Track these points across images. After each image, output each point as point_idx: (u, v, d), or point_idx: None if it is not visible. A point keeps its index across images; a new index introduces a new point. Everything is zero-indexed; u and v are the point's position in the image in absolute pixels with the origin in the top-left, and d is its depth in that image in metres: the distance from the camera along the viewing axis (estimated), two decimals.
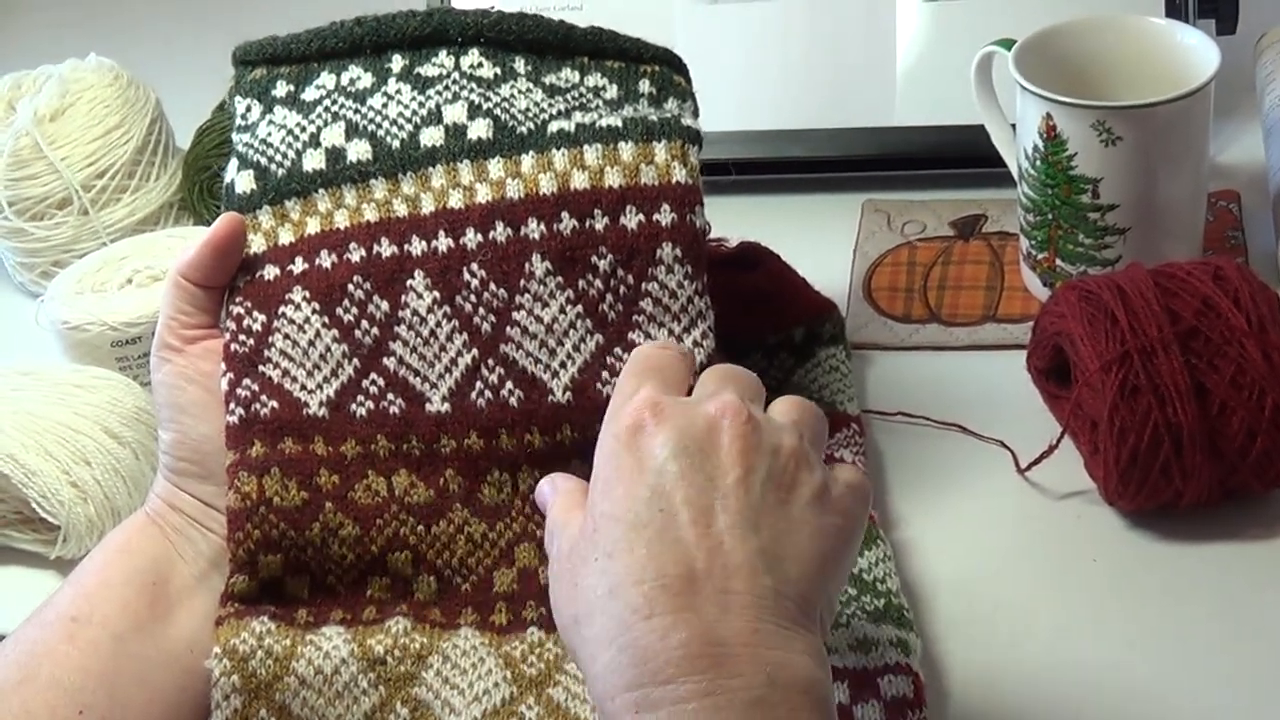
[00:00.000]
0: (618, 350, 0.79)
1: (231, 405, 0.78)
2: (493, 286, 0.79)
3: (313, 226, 0.81)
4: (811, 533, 0.63)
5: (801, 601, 0.62)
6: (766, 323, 0.95)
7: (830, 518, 0.64)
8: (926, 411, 0.94)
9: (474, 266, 0.79)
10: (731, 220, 0.98)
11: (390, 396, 0.78)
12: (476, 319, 0.79)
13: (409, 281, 0.79)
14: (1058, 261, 0.99)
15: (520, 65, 0.84)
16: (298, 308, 0.79)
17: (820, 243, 1.07)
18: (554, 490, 0.69)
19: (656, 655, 0.59)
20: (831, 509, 0.64)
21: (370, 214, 0.80)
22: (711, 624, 0.59)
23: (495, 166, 0.81)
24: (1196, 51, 0.97)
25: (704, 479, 0.62)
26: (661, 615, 0.60)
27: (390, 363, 0.79)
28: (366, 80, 0.84)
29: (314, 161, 0.82)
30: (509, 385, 0.78)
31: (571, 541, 0.64)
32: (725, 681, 0.58)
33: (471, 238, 0.79)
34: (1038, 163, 0.97)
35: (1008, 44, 0.99)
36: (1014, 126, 1.00)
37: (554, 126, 0.81)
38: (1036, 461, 0.89)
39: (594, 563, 0.62)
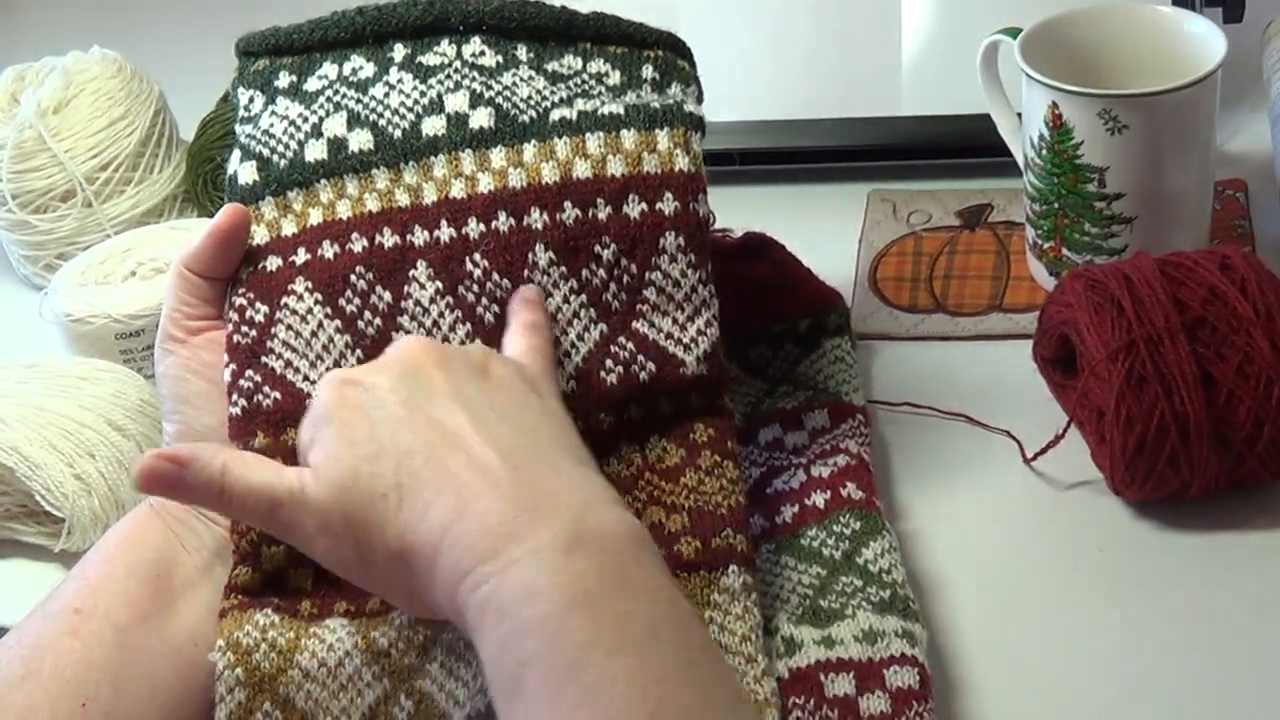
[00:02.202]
0: (621, 339, 0.79)
1: (234, 397, 0.78)
2: (496, 276, 0.79)
3: (315, 217, 0.81)
4: (525, 407, 0.70)
5: (574, 453, 0.68)
6: (771, 313, 0.95)
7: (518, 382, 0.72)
8: (932, 402, 0.94)
9: (477, 256, 0.79)
10: (736, 210, 0.97)
11: None
12: (479, 309, 0.78)
13: (411, 272, 0.79)
14: (1064, 251, 0.98)
15: (522, 53, 0.84)
16: (300, 299, 0.79)
17: (826, 233, 1.07)
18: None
19: (473, 542, 0.63)
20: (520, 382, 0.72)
21: (372, 204, 0.80)
22: (513, 498, 0.64)
23: (497, 156, 0.80)
24: (1203, 39, 0.97)
25: (424, 398, 0.69)
26: (471, 508, 0.64)
27: None
28: (368, 70, 0.83)
29: (316, 152, 0.82)
30: None
31: (339, 493, 0.67)
32: (540, 536, 0.63)
33: (474, 227, 0.79)
34: (1044, 152, 0.96)
35: (1013, 32, 0.98)
36: (1020, 115, 1.00)
37: (556, 114, 0.81)
38: (1043, 451, 0.88)
39: (380, 511, 0.66)
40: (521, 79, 0.83)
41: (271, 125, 0.83)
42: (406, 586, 0.66)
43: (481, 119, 0.81)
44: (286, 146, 0.82)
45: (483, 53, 0.83)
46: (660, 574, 0.65)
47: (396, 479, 0.66)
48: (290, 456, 0.77)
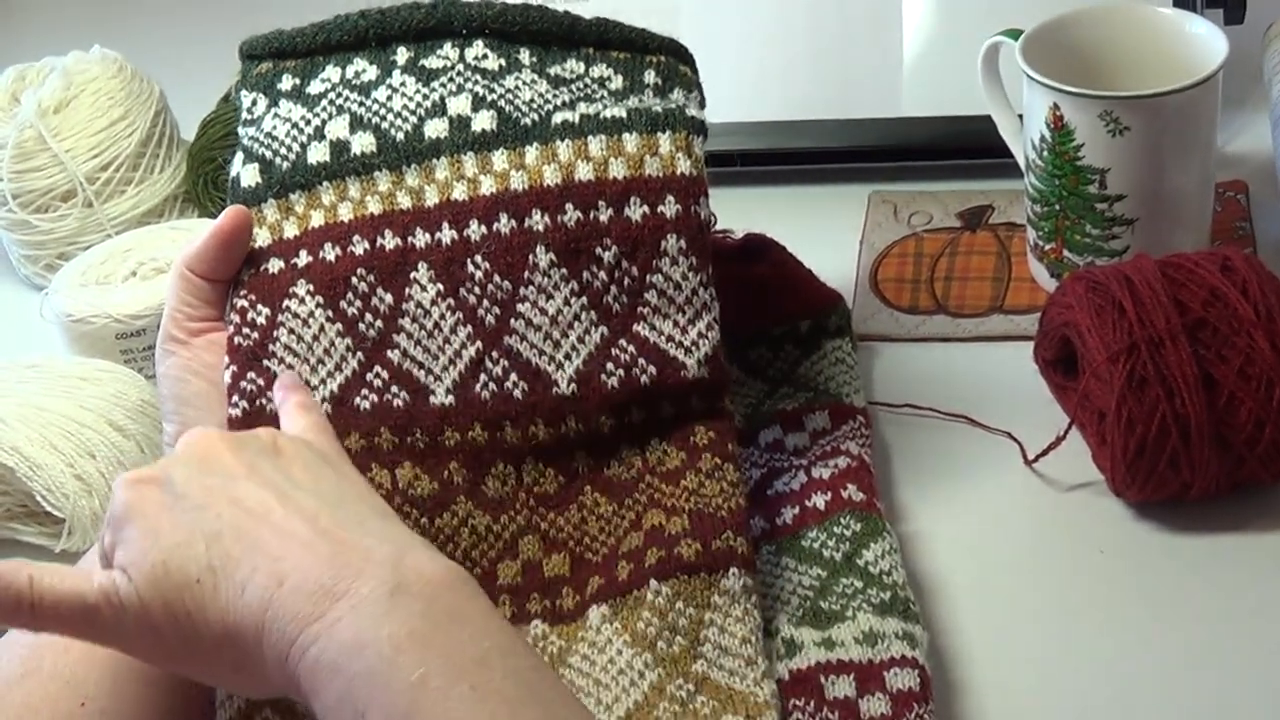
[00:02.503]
0: (622, 342, 0.79)
1: (234, 398, 0.78)
2: (497, 278, 0.79)
3: (317, 219, 0.81)
4: (322, 476, 0.70)
5: (379, 512, 0.68)
6: (772, 314, 0.95)
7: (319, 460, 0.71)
8: (933, 403, 0.94)
9: (478, 259, 0.79)
10: (737, 212, 0.97)
11: (394, 389, 0.78)
12: (480, 311, 0.78)
13: (413, 274, 0.79)
14: (1065, 252, 0.98)
15: (525, 57, 0.83)
16: (302, 301, 0.79)
17: (826, 234, 1.07)
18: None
19: (296, 608, 0.63)
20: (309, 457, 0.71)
21: (374, 206, 0.80)
22: (328, 560, 0.64)
23: (499, 158, 0.80)
24: (1204, 41, 0.97)
25: (222, 482, 0.68)
26: (289, 577, 0.64)
27: (394, 355, 0.79)
28: (371, 73, 0.83)
29: (318, 154, 0.82)
30: (513, 377, 0.78)
31: (153, 586, 0.66)
32: (360, 590, 0.63)
33: (475, 230, 0.79)
34: (1045, 153, 0.96)
35: (1015, 34, 0.98)
36: (1021, 117, 1.00)
37: (558, 118, 0.81)
38: (1044, 453, 0.88)
39: (197, 596, 0.65)
40: (524, 82, 0.83)
41: (274, 128, 0.83)
42: (236, 666, 0.65)
43: (484, 122, 0.81)
44: (289, 149, 0.82)
45: (485, 56, 0.83)
46: (484, 606, 0.65)
47: (208, 562, 0.65)
48: None
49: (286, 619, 0.63)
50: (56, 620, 0.66)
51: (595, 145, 0.80)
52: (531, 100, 0.82)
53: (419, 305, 0.79)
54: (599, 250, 0.79)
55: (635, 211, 0.79)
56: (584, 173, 0.79)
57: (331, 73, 0.84)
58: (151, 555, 0.65)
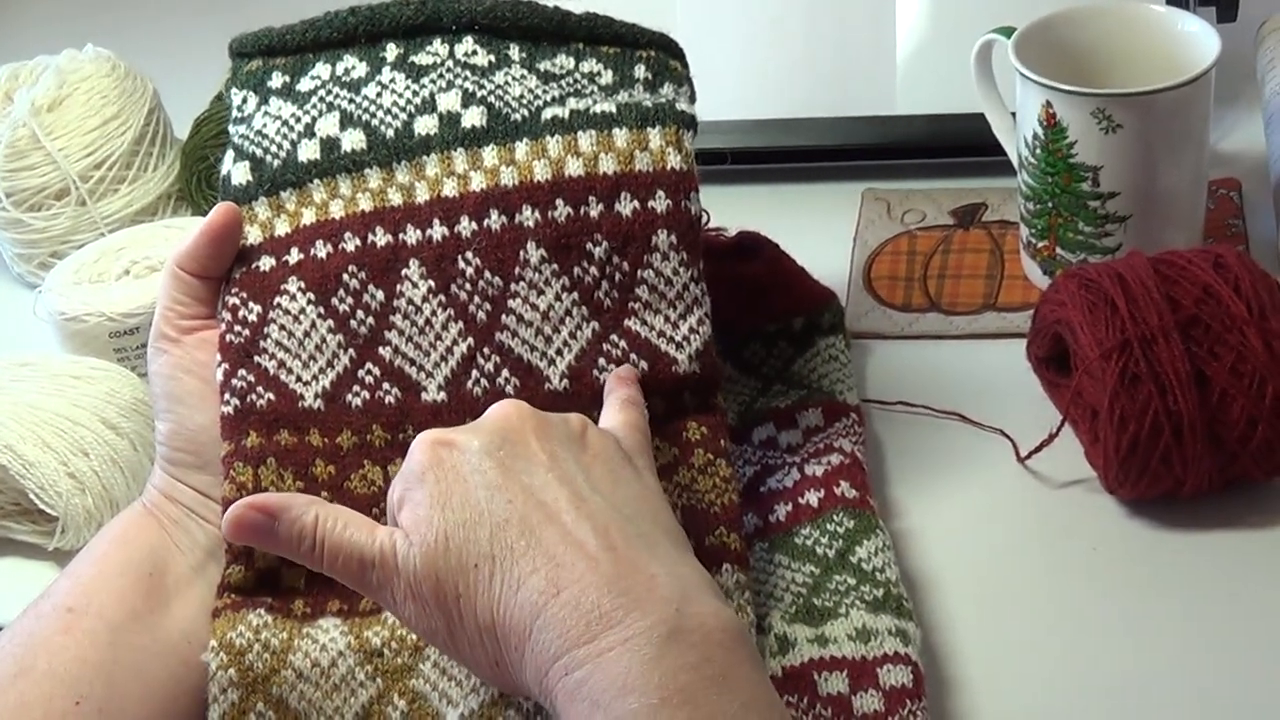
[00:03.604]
0: (614, 337, 0.79)
1: (227, 396, 0.78)
2: (488, 275, 0.79)
3: (308, 217, 0.81)
4: (622, 481, 0.68)
5: (672, 536, 0.67)
6: (766, 312, 0.95)
7: (627, 465, 0.70)
8: (926, 400, 0.94)
9: (469, 255, 0.79)
10: (731, 209, 0.98)
11: (386, 386, 0.78)
12: (472, 307, 0.78)
13: (404, 270, 0.79)
14: (1058, 250, 0.99)
15: (515, 52, 0.84)
16: (293, 298, 0.79)
17: (820, 232, 1.07)
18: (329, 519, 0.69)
19: (567, 624, 0.62)
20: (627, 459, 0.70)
21: (365, 203, 0.80)
22: (611, 581, 0.62)
23: (489, 154, 0.80)
24: (1197, 39, 0.97)
25: (522, 466, 0.67)
26: (567, 588, 0.62)
27: (386, 352, 0.79)
28: (361, 70, 0.83)
29: (309, 152, 0.82)
30: (505, 373, 0.78)
31: (431, 560, 0.65)
32: (636, 624, 0.61)
33: (466, 226, 0.79)
34: (1038, 151, 0.96)
35: (1007, 32, 0.98)
36: (1014, 115, 1.00)
37: (548, 113, 0.81)
38: (1036, 450, 0.88)
39: (472, 582, 0.64)
40: (514, 78, 0.83)
41: (265, 126, 0.83)
42: (494, 659, 0.65)
43: (474, 118, 0.81)
44: (279, 147, 0.82)
45: (475, 52, 0.83)
46: (756, 670, 0.63)
47: (490, 550, 0.64)
48: (284, 456, 0.77)
49: (555, 632, 0.62)
50: (332, 565, 0.67)
51: (585, 140, 0.80)
52: (521, 96, 0.82)
53: (410, 302, 0.79)
54: (590, 245, 0.79)
55: (626, 206, 0.79)
56: (574, 168, 0.79)
57: (321, 70, 0.84)
58: (436, 526, 0.65)
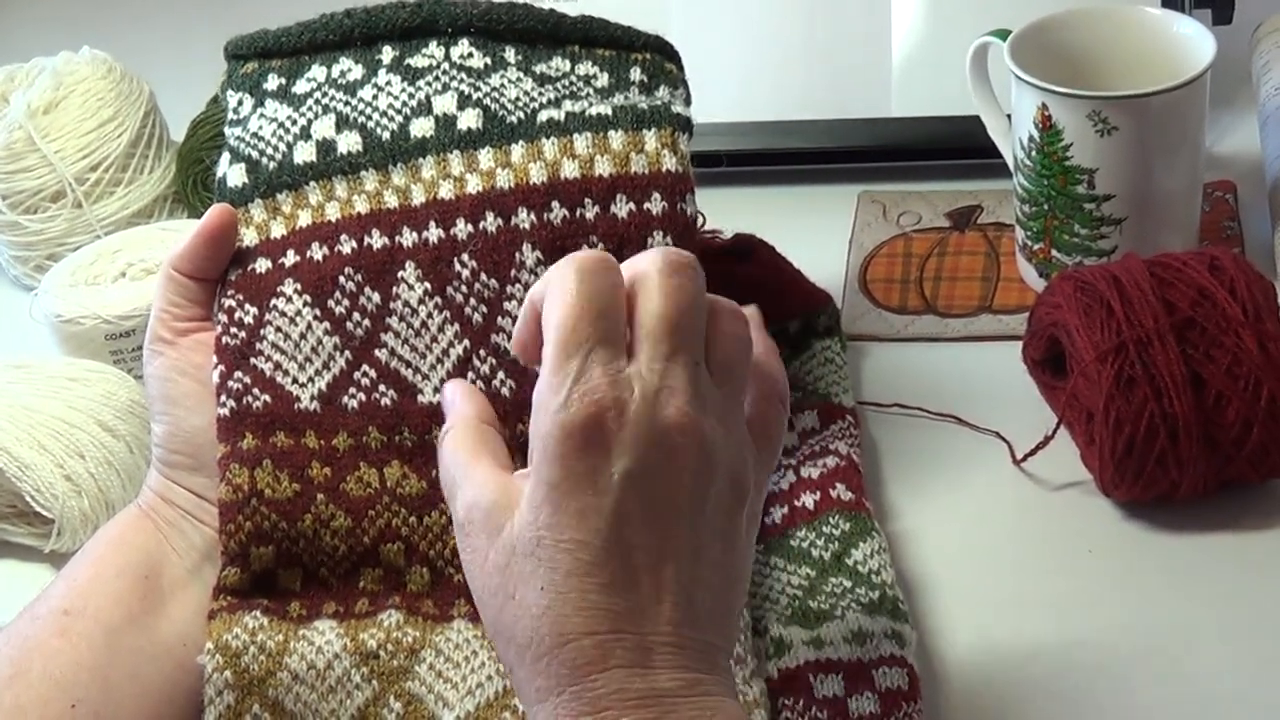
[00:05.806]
0: None
1: (222, 398, 0.78)
2: (484, 277, 0.79)
3: (304, 219, 0.81)
4: (729, 576, 0.64)
5: (726, 645, 0.63)
6: (761, 315, 0.95)
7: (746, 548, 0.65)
8: (922, 403, 0.94)
9: (465, 257, 0.79)
10: (727, 212, 0.98)
11: (382, 388, 0.78)
12: (468, 309, 0.78)
13: (400, 273, 0.79)
14: (1053, 252, 0.99)
15: (510, 55, 0.84)
16: (289, 300, 0.79)
17: (816, 234, 1.07)
18: (463, 432, 0.67)
19: (607, 706, 0.59)
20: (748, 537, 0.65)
21: (361, 206, 0.80)
22: (657, 673, 0.60)
23: (485, 156, 0.80)
24: (1192, 41, 0.97)
25: (655, 515, 0.61)
26: (616, 668, 0.60)
27: (382, 354, 0.79)
28: (357, 72, 0.83)
29: (305, 154, 0.82)
30: (501, 376, 0.78)
31: (510, 542, 0.62)
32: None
33: (462, 228, 0.79)
34: (1033, 153, 0.96)
35: (1003, 34, 0.98)
36: (1009, 117, 1.00)
37: (544, 116, 0.81)
38: (1032, 453, 0.88)
39: (539, 588, 0.61)
40: (509, 81, 0.83)
41: (260, 128, 0.83)
42: (510, 669, 0.63)
43: (469, 120, 0.81)
44: (275, 149, 0.82)
45: (471, 55, 0.83)
46: None
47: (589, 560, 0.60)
48: (280, 458, 0.77)
49: (589, 704, 0.60)
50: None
51: (581, 143, 0.80)
52: (517, 98, 0.82)
53: (406, 304, 0.79)
54: (586, 247, 0.78)
55: (621, 209, 0.79)
56: (570, 170, 0.79)
57: (317, 72, 0.84)
58: (563, 507, 0.61)
